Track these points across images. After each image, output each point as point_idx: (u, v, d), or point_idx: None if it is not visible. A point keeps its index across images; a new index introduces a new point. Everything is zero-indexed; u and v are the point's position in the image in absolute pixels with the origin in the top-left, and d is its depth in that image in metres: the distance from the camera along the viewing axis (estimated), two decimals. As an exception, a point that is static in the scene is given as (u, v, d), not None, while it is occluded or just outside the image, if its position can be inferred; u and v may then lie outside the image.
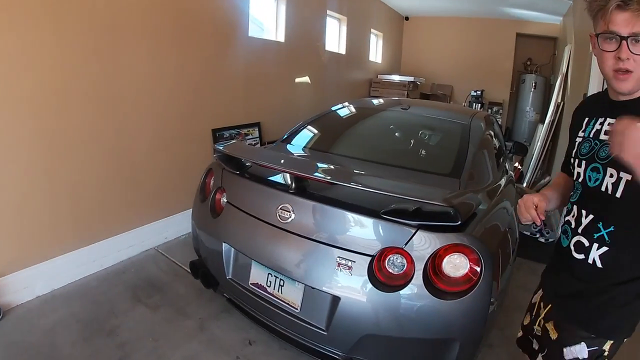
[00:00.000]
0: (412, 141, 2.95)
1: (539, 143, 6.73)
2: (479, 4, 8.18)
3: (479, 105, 9.10)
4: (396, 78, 8.34)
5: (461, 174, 2.31)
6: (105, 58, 3.01)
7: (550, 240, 4.63)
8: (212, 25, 3.96)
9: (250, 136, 4.69)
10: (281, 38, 5.26)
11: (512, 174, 4.00)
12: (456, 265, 1.74)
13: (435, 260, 1.75)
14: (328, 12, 6.36)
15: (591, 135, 1.35)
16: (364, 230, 1.86)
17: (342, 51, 7.02)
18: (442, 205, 1.65)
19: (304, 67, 5.85)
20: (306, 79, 5.91)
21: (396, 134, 3.06)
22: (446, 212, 1.67)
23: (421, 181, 2.28)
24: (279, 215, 2.06)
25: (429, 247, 1.72)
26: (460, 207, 1.67)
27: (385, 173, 2.41)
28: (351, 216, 1.88)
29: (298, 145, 2.91)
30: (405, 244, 1.75)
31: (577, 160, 1.38)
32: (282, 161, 2.29)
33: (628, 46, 1.14)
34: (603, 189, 1.25)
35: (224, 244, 2.32)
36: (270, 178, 2.30)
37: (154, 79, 3.41)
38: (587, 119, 1.41)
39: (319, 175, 2.06)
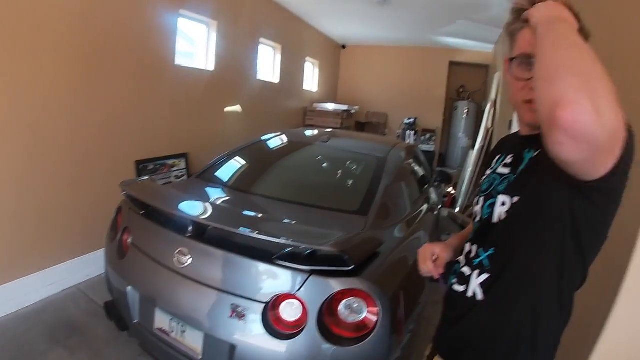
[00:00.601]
0: (325, 177, 2.92)
1: (470, 168, 6.96)
2: (414, 34, 8.44)
3: (412, 132, 9.34)
4: (330, 107, 8.37)
5: (369, 211, 2.28)
6: (17, 87, 2.86)
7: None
8: (135, 52, 3.84)
9: (176, 168, 4.55)
10: (211, 66, 5.19)
11: (437, 201, 4.07)
12: (353, 311, 1.69)
13: (330, 306, 1.70)
14: (261, 40, 6.35)
15: (491, 172, 1.26)
16: (258, 276, 1.79)
17: (276, 80, 7.00)
18: (332, 251, 1.62)
19: (235, 96, 5.78)
20: (237, 108, 5.84)
21: (311, 169, 3.02)
22: (339, 256, 1.64)
23: (327, 220, 2.24)
24: (177, 259, 1.97)
25: (322, 292, 1.67)
26: (353, 251, 1.64)
27: (290, 213, 2.36)
28: (245, 262, 1.81)
29: (210, 180, 2.83)
30: (298, 290, 1.69)
31: (476, 199, 1.28)
32: (179, 202, 2.20)
33: None
34: (495, 220, 1.14)
35: (128, 287, 2.22)
36: (169, 220, 2.19)
37: (71, 108, 3.26)
38: (498, 156, 1.31)
39: (210, 219, 2.00)
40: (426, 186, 3.78)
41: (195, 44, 5.17)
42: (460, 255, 1.32)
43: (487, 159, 1.43)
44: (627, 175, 0.88)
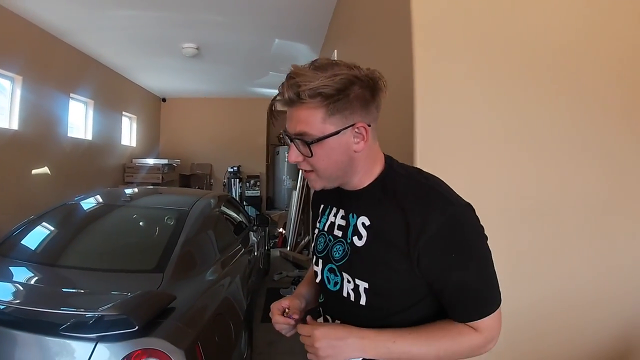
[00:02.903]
0: (125, 239, 2.87)
1: (294, 208, 7.36)
2: (231, 85, 8.83)
3: (238, 180, 9.64)
4: (150, 162, 8.23)
5: (165, 268, 2.30)
6: None
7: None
8: None
9: (-25, 242, 4.07)
10: (15, 125, 4.84)
11: (256, 243, 4.25)
12: None
13: None
14: (72, 95, 6.09)
15: (326, 229, 1.17)
16: (46, 351, 1.70)
17: (89, 137, 6.69)
18: (113, 314, 1.66)
19: (43, 156, 5.43)
20: (45, 170, 5.44)
21: (111, 232, 2.95)
22: (122, 319, 1.67)
23: (123, 283, 2.21)
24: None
25: (113, 358, 1.65)
26: (136, 311, 1.69)
27: (85, 281, 2.28)
28: (31, 337, 1.72)
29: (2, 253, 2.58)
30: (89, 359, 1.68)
31: (314, 257, 1.19)
32: None
33: (298, 147, 1.01)
34: (344, 294, 1.06)
35: None
36: None
37: None
38: (322, 205, 1.24)
39: None
40: (244, 230, 3.94)
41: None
42: (316, 304, 1.26)
43: (313, 207, 1.34)
44: None
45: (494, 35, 1.94)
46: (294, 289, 4.97)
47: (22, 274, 2.37)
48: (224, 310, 2.37)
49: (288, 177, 10.10)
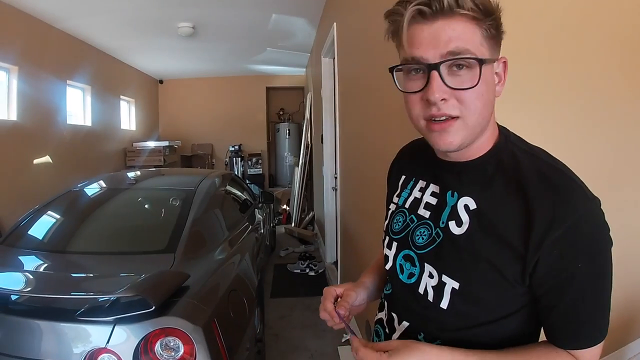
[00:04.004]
0: (134, 221, 2.89)
1: (297, 184, 7.38)
2: (228, 64, 8.70)
3: (239, 158, 9.67)
4: (151, 144, 8.21)
5: (176, 248, 2.32)
6: None
7: (320, 271, 5.01)
8: None
9: (-20, 234, 4.10)
10: (14, 116, 4.82)
11: (262, 220, 4.27)
12: (171, 349, 1.74)
13: (148, 350, 1.72)
14: (69, 82, 6.04)
15: (407, 206, 0.95)
16: (65, 337, 1.73)
17: (89, 123, 6.66)
18: (129, 296, 1.67)
19: (44, 145, 5.42)
20: (47, 159, 5.44)
21: (119, 216, 2.96)
22: (139, 300, 1.68)
23: (136, 265, 2.24)
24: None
25: (132, 339, 1.68)
26: (151, 291, 1.70)
27: (98, 265, 2.31)
28: (49, 325, 1.75)
29: (13, 245, 2.57)
30: (108, 342, 1.68)
31: (387, 239, 0.98)
32: None
33: (442, 78, 0.71)
34: (421, 290, 0.85)
35: None
36: None
37: None
38: (404, 177, 1.01)
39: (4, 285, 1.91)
40: (250, 208, 3.96)
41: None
42: (379, 294, 1.08)
43: (388, 178, 1.10)
44: None
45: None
46: (301, 264, 5.04)
47: (33, 262, 2.39)
48: (237, 287, 2.39)
49: (290, 153, 10.11)
